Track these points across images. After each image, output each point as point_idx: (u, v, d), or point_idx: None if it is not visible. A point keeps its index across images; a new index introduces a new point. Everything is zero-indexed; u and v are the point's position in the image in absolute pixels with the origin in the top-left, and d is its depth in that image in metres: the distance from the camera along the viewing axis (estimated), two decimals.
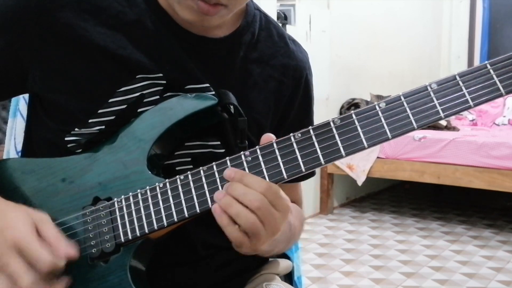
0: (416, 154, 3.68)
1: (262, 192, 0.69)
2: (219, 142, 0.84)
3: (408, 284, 2.79)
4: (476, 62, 5.32)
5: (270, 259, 0.99)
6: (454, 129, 4.09)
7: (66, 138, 0.81)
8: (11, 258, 0.71)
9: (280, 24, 3.31)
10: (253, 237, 0.70)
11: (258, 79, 0.88)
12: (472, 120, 4.68)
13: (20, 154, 1.02)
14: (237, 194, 0.69)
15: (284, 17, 3.39)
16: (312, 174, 0.95)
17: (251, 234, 0.69)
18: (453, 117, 4.50)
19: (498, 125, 4.57)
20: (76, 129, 0.80)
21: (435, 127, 3.97)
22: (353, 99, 4.17)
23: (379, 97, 4.18)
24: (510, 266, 3.05)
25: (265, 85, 0.89)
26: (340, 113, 4.10)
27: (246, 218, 0.68)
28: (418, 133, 3.69)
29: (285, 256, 1.03)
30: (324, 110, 3.88)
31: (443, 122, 4.06)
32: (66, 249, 0.72)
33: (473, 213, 4.11)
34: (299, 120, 0.92)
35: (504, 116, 4.59)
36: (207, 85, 0.83)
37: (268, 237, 0.71)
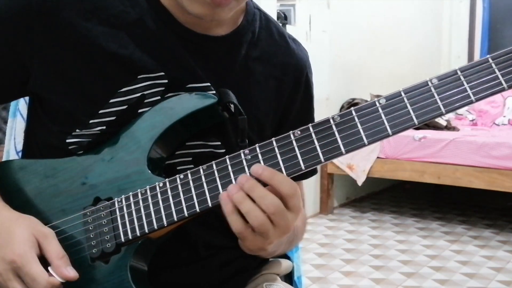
0: (416, 154, 3.68)
1: (284, 195, 0.68)
2: (219, 142, 0.84)
3: (408, 284, 2.79)
4: None
5: (270, 259, 0.99)
6: (454, 129, 4.09)
7: (67, 140, 0.81)
8: (9, 277, 0.71)
9: (280, 24, 3.31)
10: (261, 235, 0.69)
11: (259, 78, 0.88)
12: (472, 120, 4.68)
13: (20, 154, 1.01)
14: (256, 195, 0.68)
15: (284, 17, 3.39)
16: (314, 172, 0.95)
17: (259, 232, 0.69)
18: (453, 117, 4.52)
19: (498, 125, 4.57)
20: (77, 130, 0.80)
21: (435, 127, 3.96)
22: (353, 99, 4.16)
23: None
24: (510, 266, 3.04)
25: (266, 84, 0.89)
26: None
27: (255, 217, 0.67)
28: (418, 133, 3.69)
29: (285, 256, 1.03)
30: (324, 110, 3.87)
31: (443, 122, 4.05)
32: (67, 270, 0.72)
33: (473, 213, 4.10)
34: (300, 119, 0.92)
35: (504, 116, 4.59)
36: (208, 84, 0.83)
37: (277, 237, 0.70)
